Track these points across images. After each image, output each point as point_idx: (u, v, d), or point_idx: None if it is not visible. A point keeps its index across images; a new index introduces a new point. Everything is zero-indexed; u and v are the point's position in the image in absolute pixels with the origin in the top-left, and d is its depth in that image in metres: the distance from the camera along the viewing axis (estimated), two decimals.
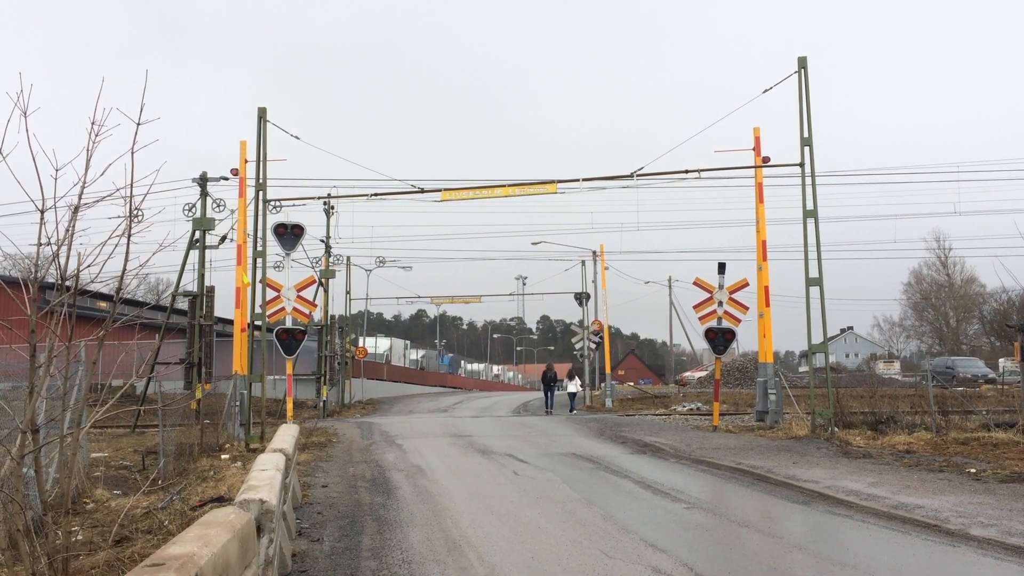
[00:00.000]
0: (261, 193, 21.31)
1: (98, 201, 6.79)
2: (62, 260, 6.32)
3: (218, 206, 28.00)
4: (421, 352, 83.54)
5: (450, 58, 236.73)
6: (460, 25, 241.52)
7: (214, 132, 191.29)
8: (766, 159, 22.61)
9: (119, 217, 6.77)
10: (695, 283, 23.18)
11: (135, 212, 6.80)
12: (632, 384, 67.40)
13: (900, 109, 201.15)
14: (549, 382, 33.27)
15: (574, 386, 33.35)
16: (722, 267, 22.87)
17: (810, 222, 20.58)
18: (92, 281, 7.09)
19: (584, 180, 23.47)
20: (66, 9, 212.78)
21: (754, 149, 22.86)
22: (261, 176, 21.25)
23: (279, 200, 24.69)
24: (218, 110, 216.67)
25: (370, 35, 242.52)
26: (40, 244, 6.36)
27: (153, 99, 6.70)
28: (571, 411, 32.46)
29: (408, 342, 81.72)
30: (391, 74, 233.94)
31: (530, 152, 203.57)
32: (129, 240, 6.55)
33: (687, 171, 22.47)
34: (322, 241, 36.25)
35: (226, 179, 26.67)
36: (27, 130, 6.01)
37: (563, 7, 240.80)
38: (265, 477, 6.74)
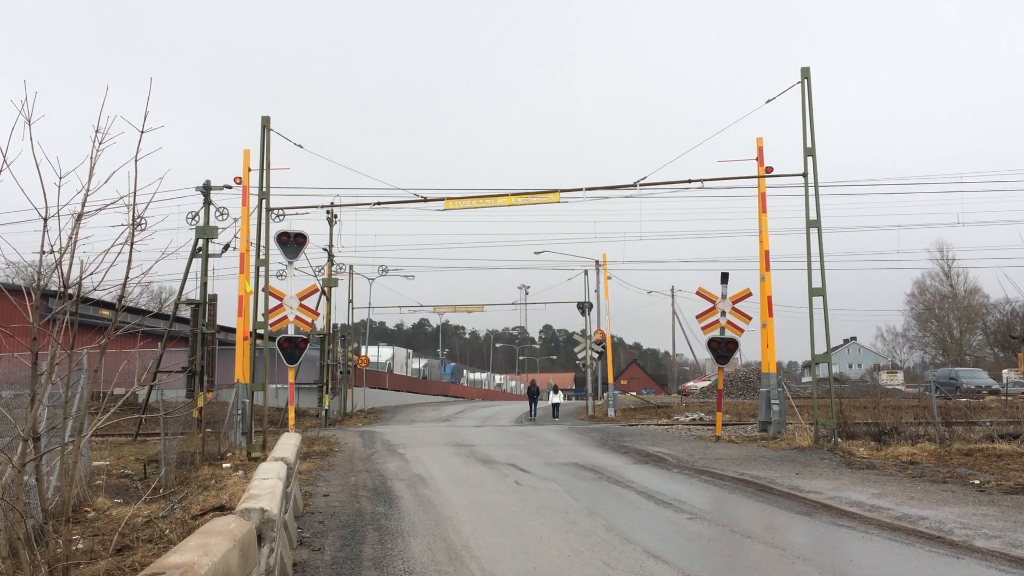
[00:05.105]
0: (264, 202, 21.34)
1: (101, 209, 6.80)
2: (65, 268, 6.32)
3: (221, 215, 28.12)
4: (423, 361, 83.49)
5: (456, 63, 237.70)
6: (468, 33, 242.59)
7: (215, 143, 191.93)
8: (769, 169, 22.56)
9: (122, 225, 6.78)
10: (698, 293, 23.18)
11: (138, 220, 6.80)
12: (635, 394, 67.23)
13: (902, 119, 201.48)
14: (533, 394, 38.67)
15: (557, 397, 38.34)
16: (725, 277, 22.85)
17: (813, 232, 20.55)
18: (95, 289, 7.09)
19: (587, 189, 23.48)
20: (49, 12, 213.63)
21: (757, 159, 22.83)
22: (264, 185, 21.30)
23: (282, 209, 24.78)
24: (215, 122, 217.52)
25: (371, 38, 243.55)
26: (43, 252, 6.36)
27: (129, 109, 6.68)
28: (555, 417, 36.27)
29: (410, 351, 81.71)
30: (395, 80, 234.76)
31: (532, 160, 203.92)
32: (132, 248, 6.55)
33: (690, 181, 22.48)
34: (325, 250, 36.33)
35: (229, 187, 26.82)
36: (31, 138, 6.02)
37: (522, 18, 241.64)
38: (266, 486, 6.71)
